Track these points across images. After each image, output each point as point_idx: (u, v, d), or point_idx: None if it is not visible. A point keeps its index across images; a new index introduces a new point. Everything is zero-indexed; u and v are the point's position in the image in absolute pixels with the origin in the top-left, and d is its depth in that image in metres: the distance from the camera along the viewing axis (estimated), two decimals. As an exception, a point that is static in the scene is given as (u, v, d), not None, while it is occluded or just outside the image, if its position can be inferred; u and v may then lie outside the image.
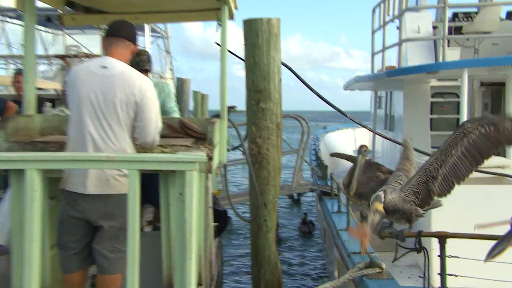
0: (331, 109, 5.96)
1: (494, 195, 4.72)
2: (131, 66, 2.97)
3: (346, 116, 5.91)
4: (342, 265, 4.86)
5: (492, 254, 2.71)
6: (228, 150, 4.76)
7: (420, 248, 3.28)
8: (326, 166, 9.72)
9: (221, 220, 6.18)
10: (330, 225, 6.42)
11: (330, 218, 6.63)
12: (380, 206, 3.09)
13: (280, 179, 6.08)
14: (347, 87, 12.54)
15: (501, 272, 4.17)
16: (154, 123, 2.99)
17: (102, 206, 2.87)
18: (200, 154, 2.89)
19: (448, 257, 3.45)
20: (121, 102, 2.89)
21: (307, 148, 9.13)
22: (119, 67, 2.95)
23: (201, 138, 3.74)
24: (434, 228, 3.59)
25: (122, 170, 2.89)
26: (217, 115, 4.28)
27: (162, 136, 3.62)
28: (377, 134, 6.09)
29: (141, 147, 3.10)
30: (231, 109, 5.72)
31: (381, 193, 3.26)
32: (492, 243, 3.59)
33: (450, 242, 3.48)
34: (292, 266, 9.64)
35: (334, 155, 4.31)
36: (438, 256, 3.46)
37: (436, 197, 3.31)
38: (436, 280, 3.72)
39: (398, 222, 3.35)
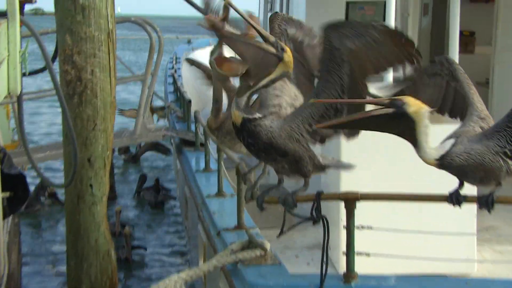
0: (196, 13, 5.98)
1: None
2: None
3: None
4: (210, 248, 5.04)
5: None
6: (24, 74, 4.56)
7: (317, 217, 3.49)
8: (190, 101, 9.81)
9: (17, 188, 6.00)
10: (193, 190, 6.57)
11: (193, 180, 6.78)
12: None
13: (114, 121, 6.03)
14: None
15: (426, 249, 4.64)
16: None
17: None
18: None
19: (358, 228, 3.72)
20: None
21: (157, 74, 9.09)
22: None
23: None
24: (345, 188, 3.86)
25: None
26: (1, 14, 4.08)
27: None
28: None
29: None
30: (27, 2, 5.47)
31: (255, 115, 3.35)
32: (418, 205, 3.93)
33: (363, 208, 3.75)
34: (134, 256, 9.77)
35: (191, 62, 4.36)
36: (345, 227, 3.72)
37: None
38: (342, 263, 4.01)
39: (285, 174, 3.53)
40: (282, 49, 3.30)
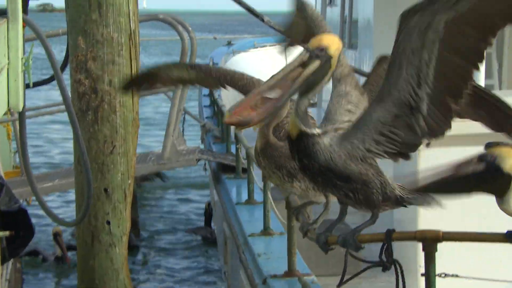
0: (239, 8, 6.07)
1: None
2: None
3: (263, 21, 6.02)
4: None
5: None
6: (27, 85, 4.67)
7: (388, 262, 3.46)
8: (229, 117, 9.88)
9: (18, 226, 6.10)
10: (233, 227, 6.60)
11: (233, 214, 6.81)
12: None
13: (137, 142, 6.08)
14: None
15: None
16: None
17: None
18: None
19: (440, 276, 3.67)
20: None
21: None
22: None
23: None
24: (424, 226, 3.83)
25: None
26: (1, 12, 4.18)
27: None
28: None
29: None
30: None
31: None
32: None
33: (446, 251, 3.73)
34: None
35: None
36: (423, 275, 3.68)
37: (425, 141, 3.39)
38: (421, 320, 3.96)
39: (349, 204, 3.49)
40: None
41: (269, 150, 3.90)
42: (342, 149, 3.32)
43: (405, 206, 3.57)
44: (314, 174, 3.37)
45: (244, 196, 7.21)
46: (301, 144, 3.31)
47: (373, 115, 3.34)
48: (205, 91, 14.62)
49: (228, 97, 12.84)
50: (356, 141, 3.33)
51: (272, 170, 3.94)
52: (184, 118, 12.34)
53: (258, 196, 6.92)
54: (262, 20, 6.03)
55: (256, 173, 6.87)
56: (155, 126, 15.20)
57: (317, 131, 3.32)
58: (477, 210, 5.15)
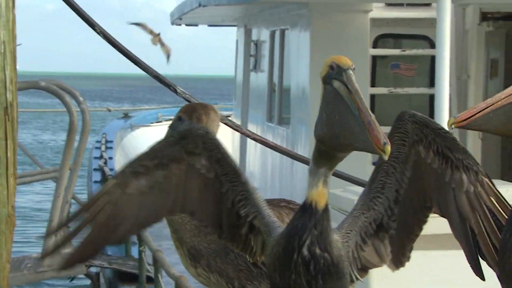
0: (145, 75, 6.20)
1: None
2: None
3: (176, 93, 6.07)
4: None
5: None
6: None
7: None
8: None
9: None
10: None
11: None
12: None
13: (12, 244, 5.84)
14: (180, 16, 12.81)
15: None
16: None
17: None
18: None
19: None
20: None
21: (78, 168, 9.01)
22: None
23: None
24: None
25: None
26: None
27: None
28: (248, 136, 6.19)
29: None
30: None
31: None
32: None
33: None
34: None
35: None
36: None
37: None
38: None
39: None
40: None
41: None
42: (346, 248, 3.53)
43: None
44: (317, 273, 3.43)
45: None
46: (324, 220, 3.41)
47: (358, 223, 3.61)
48: (96, 175, 14.46)
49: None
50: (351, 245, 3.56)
51: (175, 243, 3.92)
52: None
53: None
54: (175, 92, 6.09)
55: (166, 281, 6.74)
56: (34, 220, 14.87)
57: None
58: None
